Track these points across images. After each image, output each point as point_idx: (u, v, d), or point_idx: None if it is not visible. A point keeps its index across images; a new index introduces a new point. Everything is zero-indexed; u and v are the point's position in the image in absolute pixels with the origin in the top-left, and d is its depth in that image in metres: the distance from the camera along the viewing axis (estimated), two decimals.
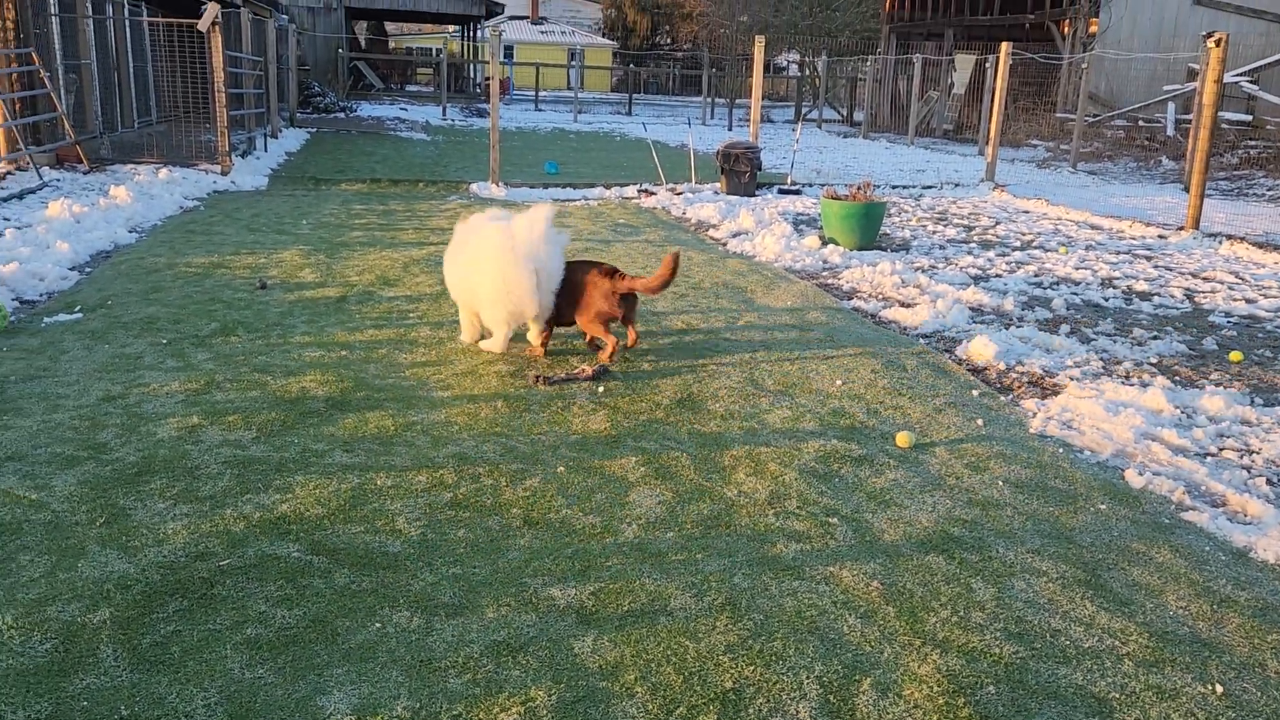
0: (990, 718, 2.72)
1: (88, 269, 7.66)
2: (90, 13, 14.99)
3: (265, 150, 16.08)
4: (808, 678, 2.86)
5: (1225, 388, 5.77)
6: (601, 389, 5.28)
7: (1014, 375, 5.98)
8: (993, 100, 16.56)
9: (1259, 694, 2.90)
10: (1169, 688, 2.90)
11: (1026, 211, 13.26)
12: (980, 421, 5.10)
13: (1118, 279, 8.82)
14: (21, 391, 4.86)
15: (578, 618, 3.12)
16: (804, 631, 3.10)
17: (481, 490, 4.01)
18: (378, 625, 3.03)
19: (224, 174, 12.80)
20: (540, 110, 33.91)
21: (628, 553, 3.56)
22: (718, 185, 13.77)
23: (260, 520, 3.65)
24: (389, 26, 51.41)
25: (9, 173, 11.28)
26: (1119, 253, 10.17)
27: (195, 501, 3.77)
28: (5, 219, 9.02)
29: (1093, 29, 23.57)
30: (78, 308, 6.42)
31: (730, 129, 28.23)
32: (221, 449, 4.28)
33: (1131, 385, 5.70)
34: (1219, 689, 2.91)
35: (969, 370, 6.06)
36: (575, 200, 12.89)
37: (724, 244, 10.05)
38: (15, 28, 12.05)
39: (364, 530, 3.62)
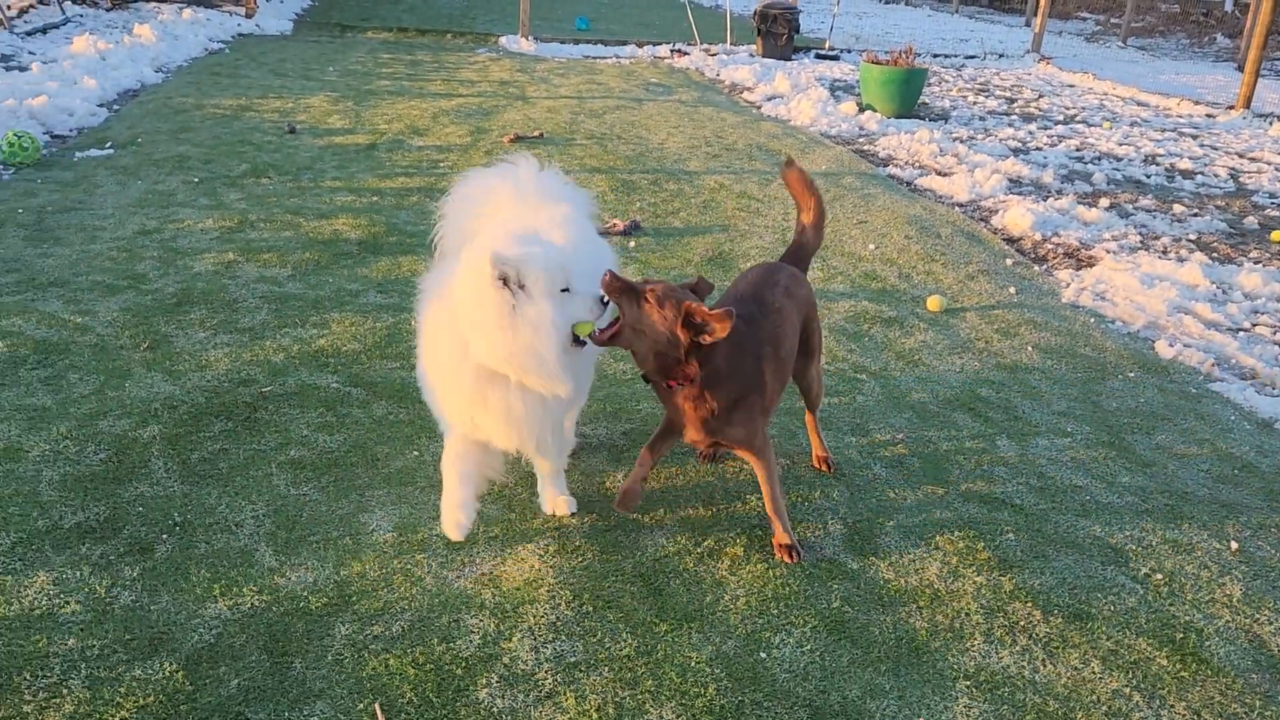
0: (1008, 561, 2.81)
1: (115, 106, 7.57)
2: None
3: None
4: (833, 518, 2.95)
5: (1264, 265, 5.68)
6: (633, 244, 5.26)
7: (1049, 246, 5.90)
8: None
9: (1273, 551, 2.97)
10: (1185, 542, 2.97)
11: (1072, 85, 12.81)
12: (1013, 289, 5.06)
13: (1161, 156, 8.58)
14: (59, 222, 4.89)
15: (609, 455, 3.19)
16: (830, 477, 3.18)
17: None
18: (415, 453, 3.12)
19: (248, 16, 12.48)
20: None
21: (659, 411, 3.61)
22: (753, 48, 13.32)
23: (299, 353, 3.71)
24: None
25: (31, 6, 11.03)
26: (1165, 130, 9.86)
27: (235, 332, 3.84)
28: (30, 53, 8.88)
29: None
30: (109, 144, 6.38)
31: None
32: (258, 284, 4.32)
33: (1168, 260, 5.62)
34: (1234, 545, 2.97)
35: (1004, 240, 5.98)
36: (607, 58, 12.53)
37: (758, 107, 9.80)
38: None
39: (400, 367, 3.68)
